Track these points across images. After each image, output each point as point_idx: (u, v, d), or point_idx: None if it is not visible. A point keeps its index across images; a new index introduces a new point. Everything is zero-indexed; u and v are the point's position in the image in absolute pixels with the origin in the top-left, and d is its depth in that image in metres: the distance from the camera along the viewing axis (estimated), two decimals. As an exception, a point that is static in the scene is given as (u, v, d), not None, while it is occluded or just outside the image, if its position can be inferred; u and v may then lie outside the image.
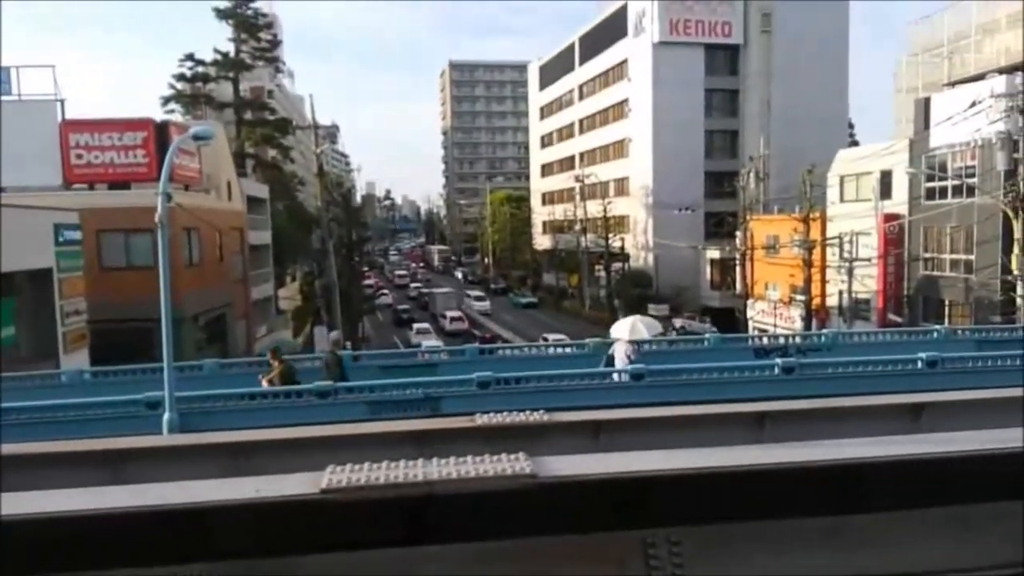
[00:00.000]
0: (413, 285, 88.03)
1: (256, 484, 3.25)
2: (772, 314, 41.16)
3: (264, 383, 11.72)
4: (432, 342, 47.00)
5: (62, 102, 27.80)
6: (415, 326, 54.62)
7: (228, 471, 4.39)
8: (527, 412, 4.85)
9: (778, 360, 12.12)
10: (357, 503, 3.10)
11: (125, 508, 3.03)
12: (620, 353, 12.42)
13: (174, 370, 10.84)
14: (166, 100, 46.67)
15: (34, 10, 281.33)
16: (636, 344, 12.61)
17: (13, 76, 27.85)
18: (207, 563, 3.06)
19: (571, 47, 78.33)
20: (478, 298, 69.78)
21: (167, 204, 11.60)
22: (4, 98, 27.54)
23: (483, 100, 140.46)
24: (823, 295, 37.28)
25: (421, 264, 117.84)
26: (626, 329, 12.77)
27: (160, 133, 27.62)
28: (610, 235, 59.79)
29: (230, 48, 48.55)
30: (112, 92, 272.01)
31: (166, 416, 10.30)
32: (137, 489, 3.34)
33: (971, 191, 29.08)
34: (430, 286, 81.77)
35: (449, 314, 59.55)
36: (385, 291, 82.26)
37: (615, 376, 11.99)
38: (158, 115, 38.54)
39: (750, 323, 42.99)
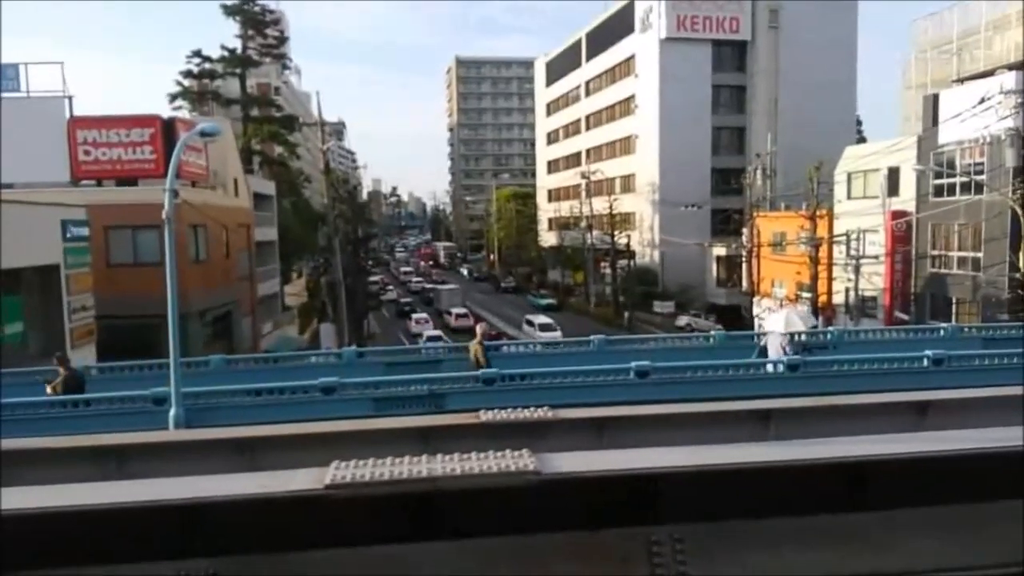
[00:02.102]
0: (415, 280, 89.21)
1: (261, 480, 3.27)
2: (778, 311, 40.99)
3: (48, 390, 11.42)
4: (430, 331, 49.93)
5: (70, 99, 27.93)
6: (414, 316, 57.64)
7: (234, 466, 4.41)
8: (531, 408, 4.85)
9: (784, 358, 12.10)
10: (361, 499, 3.11)
11: (130, 503, 3.05)
12: (774, 345, 12.55)
13: (180, 366, 10.89)
14: (173, 97, 46.78)
15: (42, 9, 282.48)
16: (790, 336, 12.77)
17: (22, 73, 27.96)
18: (212, 558, 3.07)
19: (578, 43, 78.18)
20: (545, 327, 47.63)
21: (174, 201, 11.65)
22: (12, 95, 27.67)
23: (489, 97, 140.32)
24: (829, 292, 37.14)
25: (430, 262, 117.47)
26: (781, 322, 12.96)
27: (167, 130, 27.69)
28: (616, 232, 59.68)
29: (237, 45, 48.64)
30: (120, 89, 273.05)
31: (172, 412, 10.35)
32: (142, 484, 3.36)
33: (979, 188, 28.91)
34: (434, 282, 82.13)
35: (455, 311, 59.86)
36: (390, 287, 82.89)
37: (769, 367, 12.10)
38: (165, 112, 38.63)
39: (756, 320, 42.87)
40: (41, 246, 19.36)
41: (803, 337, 13.63)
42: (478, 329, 13.55)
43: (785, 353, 12.36)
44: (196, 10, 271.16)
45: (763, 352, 12.88)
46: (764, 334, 13.52)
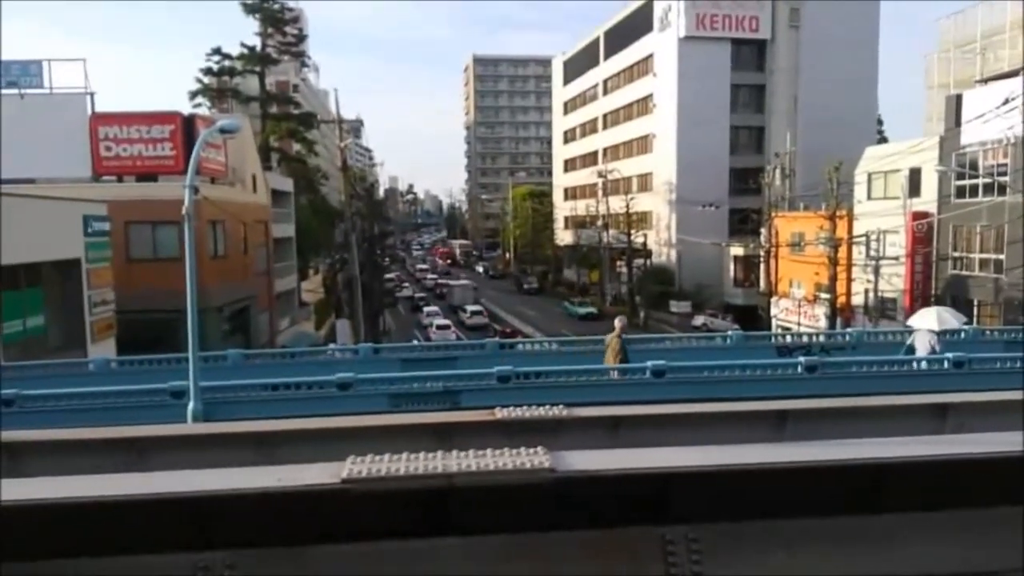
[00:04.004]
0: (430, 277, 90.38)
1: (278, 473, 3.29)
2: (796, 312, 40.75)
3: None
4: (440, 320, 53.10)
5: (92, 95, 28.29)
6: (426, 309, 60.94)
7: (250, 460, 4.44)
8: (546, 406, 4.84)
9: (801, 359, 12.02)
10: (377, 494, 3.12)
11: (146, 495, 3.08)
12: (923, 343, 12.56)
13: (198, 360, 10.98)
14: (193, 94, 47.24)
15: (66, 8, 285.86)
16: (939, 334, 12.76)
17: (44, 70, 28.35)
18: (227, 551, 3.10)
19: (596, 42, 77.98)
20: None
21: (194, 197, 11.75)
22: (35, 91, 28.04)
23: (506, 95, 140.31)
24: (848, 294, 36.83)
25: (448, 260, 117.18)
26: (933, 319, 12.99)
27: (187, 126, 27.95)
28: (632, 231, 59.49)
29: (256, 42, 49.00)
30: (140, 84, 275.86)
31: (191, 405, 10.45)
32: (159, 476, 3.39)
33: (1002, 189, 28.54)
34: (448, 279, 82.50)
35: (469, 308, 60.10)
36: (406, 284, 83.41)
37: (919, 364, 12.06)
38: (185, 108, 38.97)
39: (774, 321, 42.60)
40: (63, 240, 19.61)
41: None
42: (617, 323, 13.28)
43: (935, 351, 12.33)
44: (216, 7, 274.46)
45: (911, 350, 12.83)
46: (913, 332, 13.44)
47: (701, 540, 3.27)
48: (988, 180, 29.53)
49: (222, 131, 14.06)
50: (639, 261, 60.51)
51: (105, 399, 10.58)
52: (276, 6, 49.66)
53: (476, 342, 16.64)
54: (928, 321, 13.12)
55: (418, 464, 3.18)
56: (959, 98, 32.43)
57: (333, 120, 44.70)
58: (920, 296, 33.79)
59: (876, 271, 33.32)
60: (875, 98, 61.56)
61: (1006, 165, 28.99)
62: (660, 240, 62.39)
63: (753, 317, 45.51)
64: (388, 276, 68.56)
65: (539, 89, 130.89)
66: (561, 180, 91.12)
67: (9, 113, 25.74)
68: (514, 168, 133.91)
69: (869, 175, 37.13)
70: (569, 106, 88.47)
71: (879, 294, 33.84)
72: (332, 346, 33.40)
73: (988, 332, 16.01)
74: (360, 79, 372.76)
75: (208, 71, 47.55)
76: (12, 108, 26.22)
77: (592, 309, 58.21)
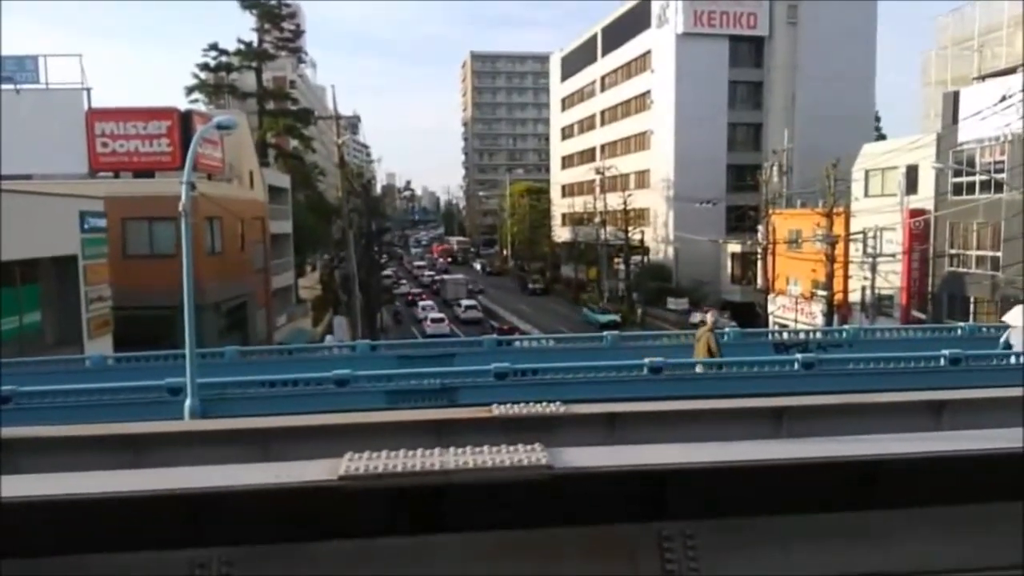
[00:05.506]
0: (427, 274, 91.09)
1: (276, 470, 3.29)
2: (793, 309, 40.79)
3: None
4: (434, 314, 54.48)
5: (88, 91, 28.15)
6: (420, 304, 63.09)
7: (248, 457, 4.44)
8: (543, 403, 4.85)
9: (798, 355, 12.03)
10: (374, 491, 3.12)
11: (144, 492, 3.08)
12: (1019, 339, 12.45)
13: (196, 357, 10.97)
14: (190, 90, 47.03)
15: (62, 5, 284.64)
16: None
17: (40, 65, 28.22)
18: (225, 548, 3.10)
19: (593, 38, 77.85)
20: None
21: (190, 193, 11.73)
22: (31, 87, 27.93)
23: (504, 91, 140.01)
24: (845, 291, 36.88)
25: (448, 258, 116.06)
26: None
27: (184, 122, 27.85)
28: (630, 228, 59.44)
29: (253, 38, 48.80)
30: (137, 82, 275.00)
31: (188, 402, 10.44)
32: (157, 473, 3.39)
33: (999, 187, 28.58)
34: (445, 276, 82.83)
35: (464, 303, 60.69)
36: (403, 281, 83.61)
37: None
38: (182, 104, 38.83)
39: (771, 318, 42.64)
40: (59, 237, 19.55)
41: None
42: (708, 318, 13.17)
43: None
44: (213, 4, 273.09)
45: (1007, 346, 12.69)
46: (1008, 327, 13.29)
47: (698, 536, 3.28)
48: (985, 177, 29.57)
49: (219, 127, 14.02)
50: (636, 258, 60.48)
51: (102, 396, 10.56)
52: (273, 2, 49.49)
53: (474, 339, 16.64)
54: None
55: (415, 461, 3.19)
56: (956, 95, 32.43)
57: (330, 116, 44.66)
58: (917, 293, 33.85)
59: (873, 268, 33.36)
60: (872, 95, 61.58)
61: (1003, 162, 29.02)
62: (657, 237, 62.40)
63: (750, 314, 45.53)
64: (385, 273, 68.72)
65: (537, 86, 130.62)
66: (559, 177, 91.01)
67: (5, 109, 25.64)
68: (512, 165, 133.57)
69: (866, 172, 37.14)
70: (567, 102, 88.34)
71: (876, 291, 33.87)
72: (329, 337, 33.41)
73: (985, 329, 16.03)
74: (360, 77, 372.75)
75: (205, 67, 47.37)
76: (8, 104, 26.12)
77: (615, 317, 51.37)
